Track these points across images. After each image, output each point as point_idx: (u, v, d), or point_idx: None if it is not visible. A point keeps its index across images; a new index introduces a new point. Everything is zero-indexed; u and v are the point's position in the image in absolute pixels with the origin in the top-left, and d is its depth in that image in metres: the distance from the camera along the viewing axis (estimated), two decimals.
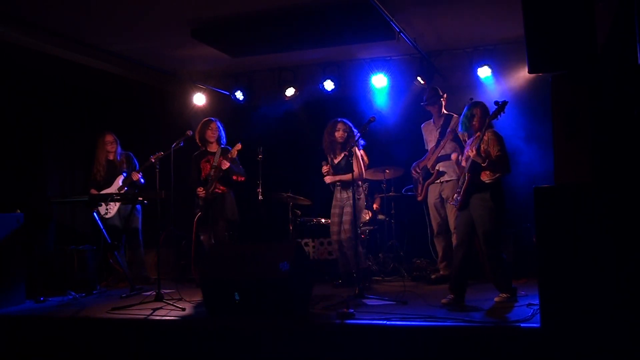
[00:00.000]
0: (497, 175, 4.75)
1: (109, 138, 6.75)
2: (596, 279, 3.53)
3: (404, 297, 5.06)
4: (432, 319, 4.22)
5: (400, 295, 5.24)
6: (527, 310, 4.36)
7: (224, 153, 6.13)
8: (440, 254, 6.30)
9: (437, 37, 6.26)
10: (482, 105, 4.92)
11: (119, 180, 6.67)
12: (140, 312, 4.82)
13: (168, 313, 4.79)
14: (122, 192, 6.52)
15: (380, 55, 6.77)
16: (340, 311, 4.35)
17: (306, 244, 6.76)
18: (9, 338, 4.82)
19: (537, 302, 3.81)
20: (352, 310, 4.38)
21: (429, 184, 6.26)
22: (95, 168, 6.73)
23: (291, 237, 6.90)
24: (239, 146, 6.06)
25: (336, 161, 6.11)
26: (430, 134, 6.40)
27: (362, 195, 6.09)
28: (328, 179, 6.09)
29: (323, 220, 6.90)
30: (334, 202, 6.12)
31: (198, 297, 5.25)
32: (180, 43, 6.23)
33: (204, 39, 6.03)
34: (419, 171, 6.39)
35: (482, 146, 4.79)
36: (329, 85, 6.93)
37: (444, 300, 4.75)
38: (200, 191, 6.11)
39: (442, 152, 6.18)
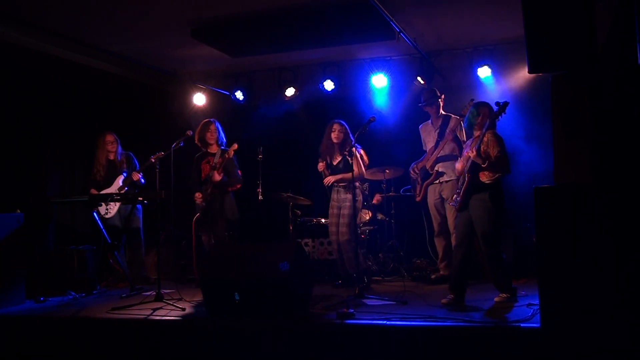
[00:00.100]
0: (497, 176, 4.75)
1: (110, 138, 6.74)
2: (596, 279, 3.53)
3: (404, 297, 5.06)
4: (432, 319, 4.22)
5: (400, 295, 5.24)
6: (527, 310, 4.36)
7: (222, 155, 6.13)
8: (440, 254, 6.29)
9: (437, 37, 6.26)
10: (489, 107, 4.93)
11: (120, 180, 6.67)
12: (140, 312, 4.82)
13: (168, 313, 4.79)
14: (122, 192, 6.52)
15: (380, 55, 6.77)
16: (340, 311, 4.35)
17: (306, 244, 6.75)
18: (9, 338, 4.82)
19: (537, 302, 3.80)
20: (352, 310, 4.38)
21: (428, 185, 6.26)
22: (96, 168, 6.73)
23: (291, 237, 6.90)
24: (235, 146, 6.07)
25: (335, 162, 6.11)
26: (428, 135, 6.40)
27: (360, 197, 6.09)
28: (330, 179, 6.04)
29: (323, 220, 6.90)
30: (331, 203, 6.11)
31: (198, 297, 5.26)
32: (180, 43, 6.23)
33: (204, 39, 6.03)
34: (417, 172, 6.39)
35: (482, 147, 4.80)
36: (329, 85, 6.93)
37: (444, 300, 4.75)
38: (198, 197, 6.12)
39: (442, 153, 6.18)
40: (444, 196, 6.16)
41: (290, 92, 7.16)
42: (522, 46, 3.95)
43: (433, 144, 6.28)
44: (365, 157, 6.47)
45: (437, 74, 6.72)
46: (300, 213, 7.06)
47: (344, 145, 6.00)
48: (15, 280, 5.46)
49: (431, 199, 6.28)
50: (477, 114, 4.91)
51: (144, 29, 5.85)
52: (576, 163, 3.84)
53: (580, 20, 3.71)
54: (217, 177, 6.02)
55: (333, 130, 6.03)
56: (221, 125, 6.40)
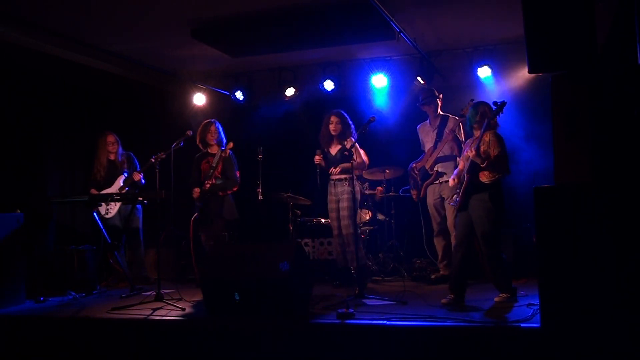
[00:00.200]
0: (497, 176, 4.75)
1: (111, 138, 6.75)
2: (596, 279, 3.53)
3: (404, 297, 5.06)
4: (432, 319, 4.22)
5: (400, 295, 5.24)
6: (527, 310, 4.36)
7: (218, 162, 6.13)
8: (440, 254, 6.30)
9: (437, 37, 6.26)
10: (488, 107, 4.94)
11: (120, 181, 6.67)
12: (140, 312, 4.83)
13: (168, 313, 4.79)
14: (122, 192, 6.52)
15: (380, 55, 6.77)
16: (340, 311, 4.35)
17: (306, 244, 6.75)
18: (9, 338, 4.82)
19: (537, 302, 3.81)
20: (352, 310, 4.38)
21: (427, 185, 6.26)
22: (96, 168, 6.73)
23: (291, 237, 6.90)
24: (231, 144, 6.13)
25: (332, 153, 6.09)
26: (426, 135, 6.40)
27: (358, 188, 6.05)
28: (336, 174, 5.95)
29: (323, 220, 6.90)
30: (329, 198, 6.06)
31: (198, 297, 5.26)
32: (180, 43, 6.23)
33: (204, 39, 6.03)
34: (416, 172, 6.38)
35: (482, 147, 4.80)
36: (329, 85, 6.93)
37: (444, 300, 4.75)
38: (196, 192, 6.12)
39: (441, 153, 6.18)
40: (443, 196, 6.16)
41: (290, 92, 7.16)
42: (522, 46, 3.95)
43: (432, 144, 6.28)
44: (365, 157, 6.46)
45: (437, 74, 6.72)
46: (300, 213, 7.06)
47: (343, 136, 5.98)
48: (15, 280, 5.46)
49: (431, 199, 6.28)
50: (476, 113, 4.93)
51: (144, 29, 5.85)
52: (576, 163, 3.84)
53: (580, 20, 3.71)
54: (207, 185, 6.05)
55: (331, 122, 6.01)
56: (221, 126, 6.41)
